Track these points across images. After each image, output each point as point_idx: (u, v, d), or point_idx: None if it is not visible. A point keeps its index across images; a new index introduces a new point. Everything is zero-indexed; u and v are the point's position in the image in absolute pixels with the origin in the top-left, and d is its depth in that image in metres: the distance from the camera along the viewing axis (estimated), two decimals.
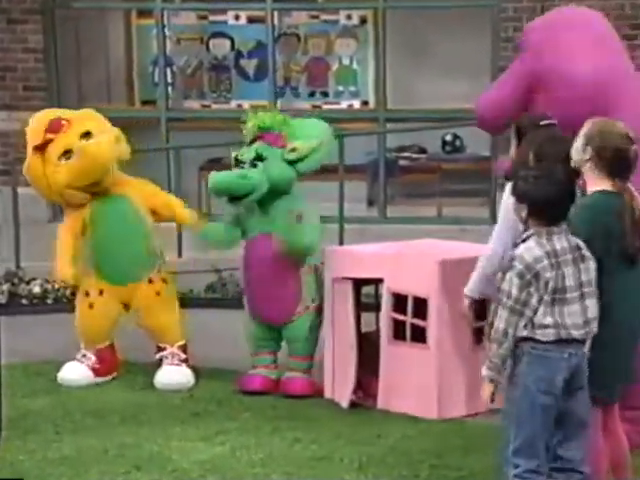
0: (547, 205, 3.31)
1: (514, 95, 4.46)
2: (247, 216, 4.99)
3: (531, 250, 3.30)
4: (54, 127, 5.07)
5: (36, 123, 5.16)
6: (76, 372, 5.10)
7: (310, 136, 4.93)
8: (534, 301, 3.28)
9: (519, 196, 3.38)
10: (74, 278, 5.08)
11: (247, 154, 4.94)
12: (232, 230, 5.01)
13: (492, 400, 3.40)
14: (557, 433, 3.35)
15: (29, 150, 5.18)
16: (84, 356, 5.14)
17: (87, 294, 5.15)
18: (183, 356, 5.10)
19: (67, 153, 5.03)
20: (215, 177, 4.92)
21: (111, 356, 5.20)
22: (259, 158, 4.91)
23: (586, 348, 3.36)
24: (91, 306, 5.14)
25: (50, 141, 5.07)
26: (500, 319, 3.30)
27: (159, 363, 5.13)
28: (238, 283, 6.67)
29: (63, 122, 5.08)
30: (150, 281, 5.08)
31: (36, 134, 5.11)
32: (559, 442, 3.36)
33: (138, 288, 5.07)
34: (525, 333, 3.30)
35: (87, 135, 5.04)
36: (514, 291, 3.28)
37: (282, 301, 4.92)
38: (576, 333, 3.31)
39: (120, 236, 5.04)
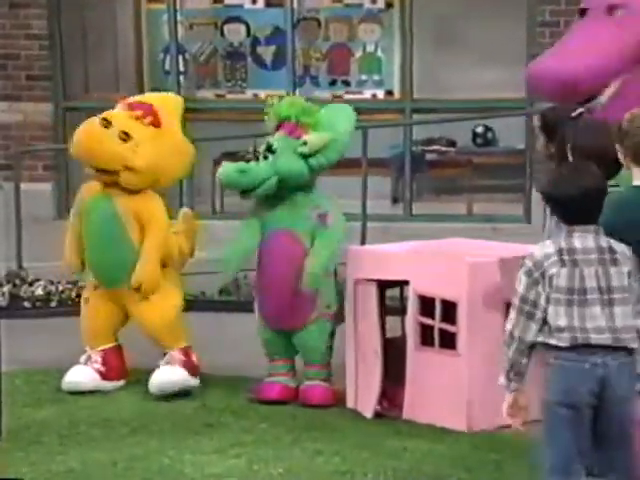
0: (566, 206, 3.30)
1: (620, 62, 4.31)
2: (266, 210, 4.98)
3: (543, 247, 3.31)
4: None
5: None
6: (81, 375, 5.13)
7: (333, 127, 4.92)
8: (542, 301, 3.26)
9: (541, 194, 3.41)
10: (77, 267, 5.11)
11: (263, 145, 4.97)
12: (251, 241, 4.97)
13: (511, 413, 3.35)
14: (594, 449, 3.30)
15: None
16: (89, 358, 5.17)
17: (84, 288, 5.31)
18: (182, 358, 5.11)
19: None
20: (220, 169, 4.97)
21: (117, 360, 5.22)
22: (270, 149, 4.91)
23: (624, 357, 3.26)
24: (87, 301, 5.25)
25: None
26: (510, 321, 3.31)
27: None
28: (254, 285, 6.69)
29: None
30: (138, 288, 5.09)
31: None
32: (598, 460, 3.31)
33: (127, 291, 5.11)
34: (541, 338, 3.28)
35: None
36: (521, 290, 3.28)
37: (294, 306, 4.92)
38: (598, 338, 3.23)
39: (103, 237, 5.08)
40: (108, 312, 5.20)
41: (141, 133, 5.06)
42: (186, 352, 5.13)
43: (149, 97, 5.41)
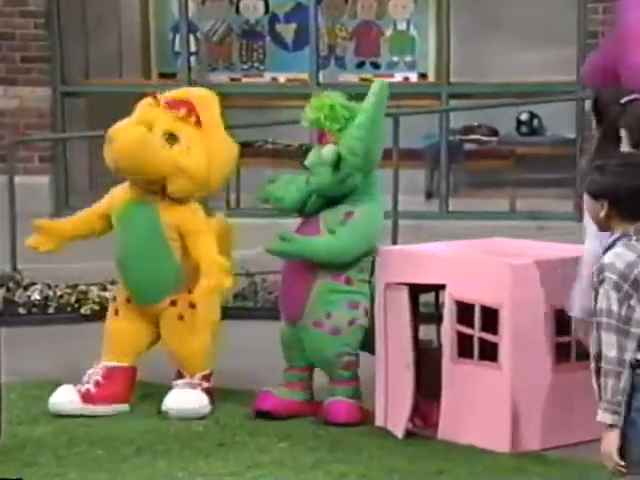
0: (631, 200, 3.24)
1: None
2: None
3: (621, 256, 3.23)
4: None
5: None
6: (64, 395, 5.07)
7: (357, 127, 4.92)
8: (638, 315, 3.20)
9: (594, 192, 3.30)
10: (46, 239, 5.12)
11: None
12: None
13: (622, 465, 3.19)
14: None
15: None
16: (89, 376, 5.15)
17: (115, 298, 5.28)
18: (205, 384, 5.13)
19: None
20: (261, 192, 5.16)
21: (122, 381, 5.16)
22: (304, 165, 5.06)
23: None
24: (116, 312, 5.23)
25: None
26: (609, 345, 3.19)
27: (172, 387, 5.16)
28: (272, 290, 6.72)
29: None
30: (173, 303, 5.10)
31: None
32: None
33: (161, 309, 5.12)
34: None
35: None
36: (614, 307, 3.19)
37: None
38: None
39: (143, 248, 5.06)
40: (135, 330, 5.17)
41: (188, 134, 5.02)
42: (208, 378, 5.16)
43: (185, 93, 5.28)
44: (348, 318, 4.96)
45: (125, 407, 5.14)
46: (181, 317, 5.09)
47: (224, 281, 4.95)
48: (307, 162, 5.04)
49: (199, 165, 5.02)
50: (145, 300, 5.12)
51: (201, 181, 5.06)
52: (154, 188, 5.04)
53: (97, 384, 5.10)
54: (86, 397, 5.07)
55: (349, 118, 4.92)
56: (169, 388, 5.18)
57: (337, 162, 4.90)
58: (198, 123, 5.06)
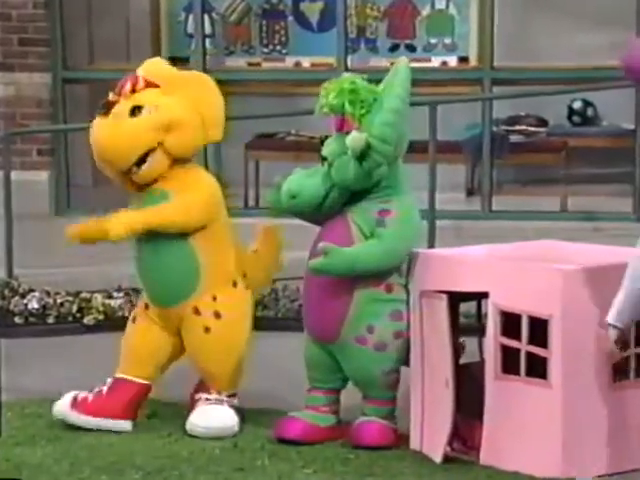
0: None
1: None
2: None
3: None
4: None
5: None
6: (62, 407, 5.10)
7: (386, 111, 4.88)
8: None
9: None
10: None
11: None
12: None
13: None
14: None
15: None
16: (96, 388, 5.18)
17: (133, 305, 5.33)
18: (233, 401, 5.14)
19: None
20: (271, 193, 5.09)
21: (126, 395, 5.14)
22: (323, 157, 4.97)
23: None
24: (133, 320, 5.25)
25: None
26: None
27: (193, 403, 5.17)
28: (295, 297, 6.72)
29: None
30: (197, 311, 5.09)
31: None
32: None
33: (182, 315, 5.12)
34: None
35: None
36: None
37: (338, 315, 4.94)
38: None
39: (158, 241, 5.06)
40: (154, 339, 5.16)
41: (148, 97, 5.07)
42: (235, 394, 5.17)
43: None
44: (393, 330, 4.93)
45: (125, 424, 5.12)
46: (207, 329, 5.07)
47: (111, 229, 4.91)
48: (326, 152, 4.95)
49: (172, 109, 5.03)
50: (162, 302, 5.11)
51: (193, 128, 5.05)
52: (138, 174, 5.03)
53: (98, 394, 5.12)
54: (79, 405, 5.08)
55: (373, 102, 4.89)
56: (179, 407, 5.19)
57: (364, 152, 4.85)
58: (152, 85, 5.09)
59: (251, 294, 5.24)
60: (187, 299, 5.08)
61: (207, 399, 5.11)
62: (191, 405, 5.17)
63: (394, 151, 4.87)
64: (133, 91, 5.07)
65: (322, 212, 4.97)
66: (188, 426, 5.06)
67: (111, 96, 5.12)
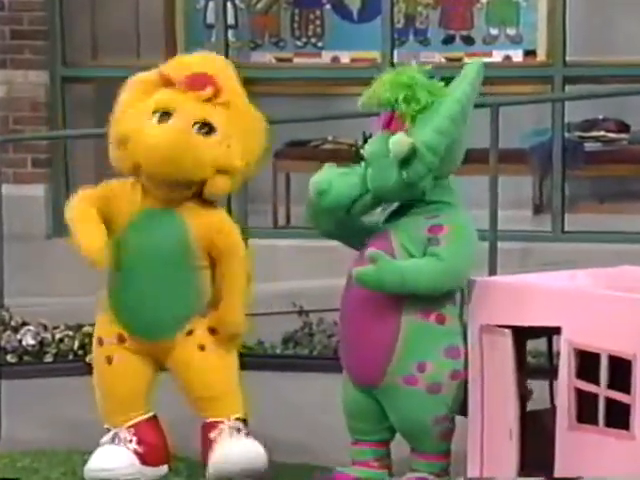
0: None
1: None
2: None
3: None
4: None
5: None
6: (115, 458, 5.11)
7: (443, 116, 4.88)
8: None
9: None
10: (101, 254, 5.02)
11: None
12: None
13: None
14: None
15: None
16: (117, 437, 5.20)
17: (100, 342, 5.26)
18: (247, 431, 5.15)
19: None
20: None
21: (156, 436, 5.22)
22: (361, 156, 4.97)
23: None
24: (109, 360, 5.23)
25: None
26: None
27: (210, 445, 5.16)
28: (332, 332, 6.73)
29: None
30: (190, 332, 5.14)
31: None
32: None
33: (174, 345, 5.16)
34: None
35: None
36: None
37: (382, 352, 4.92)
38: None
39: (156, 269, 5.10)
40: (140, 372, 5.21)
41: (222, 120, 5.04)
42: (245, 423, 5.17)
43: (197, 63, 5.20)
44: (448, 369, 4.89)
45: (167, 467, 5.24)
46: (202, 347, 5.14)
47: (241, 332, 5.13)
48: (366, 152, 4.94)
49: (236, 154, 5.06)
50: (157, 337, 5.15)
51: (242, 176, 5.15)
52: (183, 192, 5.07)
53: (140, 442, 5.16)
54: (141, 457, 5.13)
55: (429, 104, 4.88)
56: (191, 460, 5.19)
57: (407, 158, 4.85)
58: (225, 101, 5.07)
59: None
60: (184, 328, 5.12)
61: (226, 432, 5.11)
62: (204, 451, 5.15)
63: (440, 164, 4.84)
64: (209, 98, 5.04)
65: (350, 216, 4.94)
66: (212, 467, 5.05)
67: (168, 75, 5.06)
